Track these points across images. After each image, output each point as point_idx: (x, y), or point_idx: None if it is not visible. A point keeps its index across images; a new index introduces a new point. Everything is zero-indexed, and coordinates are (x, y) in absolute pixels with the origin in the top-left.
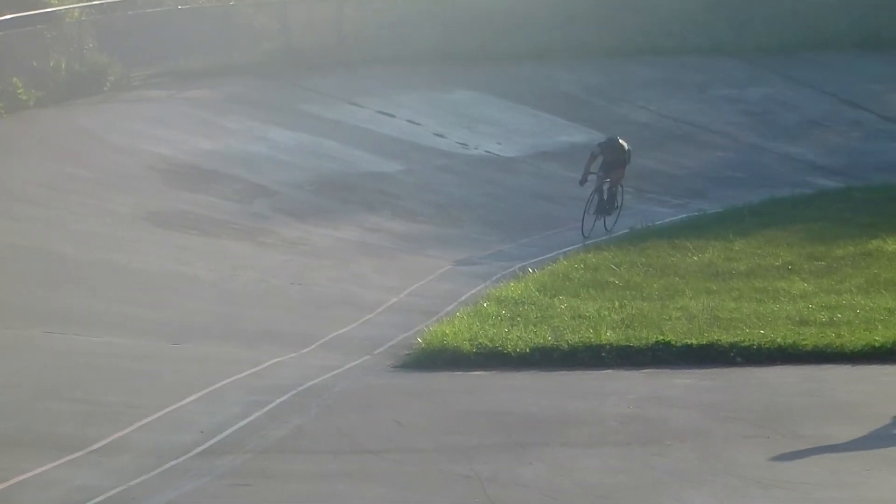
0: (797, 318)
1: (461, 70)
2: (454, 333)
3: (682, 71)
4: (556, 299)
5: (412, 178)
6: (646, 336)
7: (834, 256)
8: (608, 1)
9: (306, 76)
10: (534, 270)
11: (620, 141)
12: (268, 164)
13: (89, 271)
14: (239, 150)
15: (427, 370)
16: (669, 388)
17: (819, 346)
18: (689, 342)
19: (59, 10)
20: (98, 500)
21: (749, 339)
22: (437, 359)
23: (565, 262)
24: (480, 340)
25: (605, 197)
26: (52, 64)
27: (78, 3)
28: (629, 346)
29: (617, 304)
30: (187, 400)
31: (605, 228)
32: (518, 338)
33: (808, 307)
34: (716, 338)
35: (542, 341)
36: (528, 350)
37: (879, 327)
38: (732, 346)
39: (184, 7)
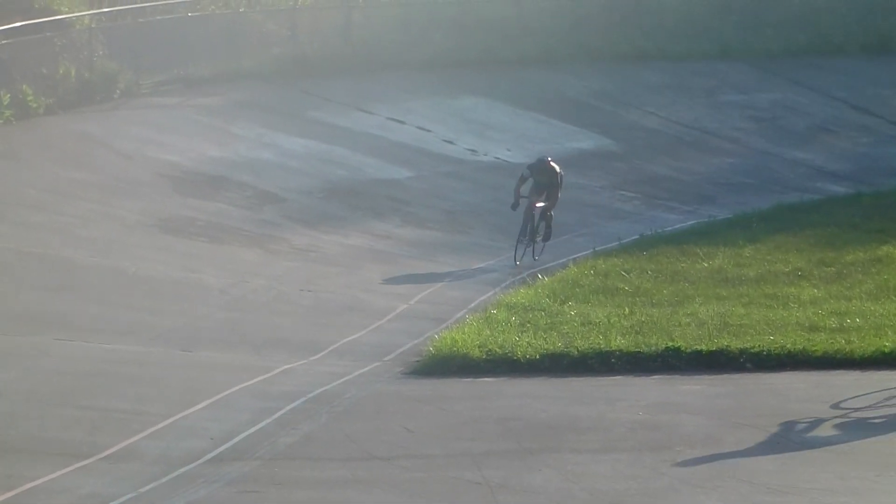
0: (807, 324)
1: (469, 76)
2: (464, 340)
3: (691, 76)
4: (565, 306)
5: (421, 185)
6: (655, 342)
7: (844, 262)
8: (616, 6)
9: (315, 83)
10: (543, 277)
11: (551, 163)
12: (277, 171)
13: (97, 278)
14: (248, 157)
15: (437, 377)
16: (679, 394)
17: (829, 352)
18: (699, 348)
19: (69, 17)
20: None
21: (759, 345)
22: (446, 365)
23: (575, 269)
24: (490, 347)
25: (535, 223)
26: (61, 71)
27: (88, 10)
28: (639, 353)
29: (627, 310)
30: (197, 407)
31: (533, 258)
32: (528, 344)
33: (818, 313)
34: (726, 344)
35: (551, 348)
36: (537, 356)
37: (889, 333)
38: (742, 352)
39: (193, 14)
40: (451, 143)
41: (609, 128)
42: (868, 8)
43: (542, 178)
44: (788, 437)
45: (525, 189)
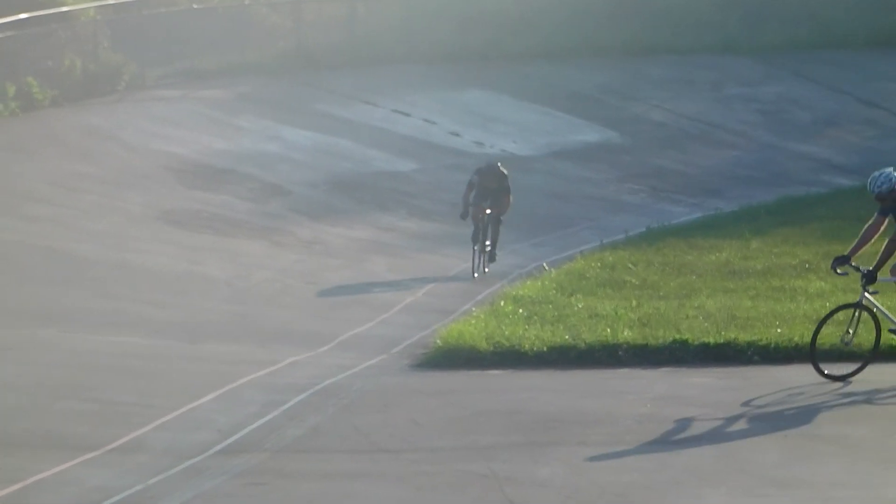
0: (814, 317)
1: (474, 69)
2: (471, 332)
3: (696, 70)
4: (572, 298)
5: (427, 178)
6: (663, 335)
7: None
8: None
9: (320, 75)
10: (550, 269)
11: (501, 168)
12: (282, 164)
13: (103, 271)
14: (253, 150)
15: (444, 369)
16: (686, 387)
17: (836, 344)
18: (706, 341)
19: (74, 9)
20: (115, 499)
21: (766, 338)
22: (453, 358)
23: (581, 261)
24: (497, 339)
25: (485, 231)
26: (66, 63)
27: (92, 2)
28: (646, 345)
29: (634, 302)
30: (203, 399)
31: (483, 269)
32: (535, 337)
33: (826, 306)
34: (733, 337)
35: (558, 340)
36: (544, 349)
37: None
38: (749, 344)
39: (198, 7)
40: (456, 135)
41: (614, 121)
42: (872, 2)
43: (490, 184)
44: (795, 430)
45: (472, 197)
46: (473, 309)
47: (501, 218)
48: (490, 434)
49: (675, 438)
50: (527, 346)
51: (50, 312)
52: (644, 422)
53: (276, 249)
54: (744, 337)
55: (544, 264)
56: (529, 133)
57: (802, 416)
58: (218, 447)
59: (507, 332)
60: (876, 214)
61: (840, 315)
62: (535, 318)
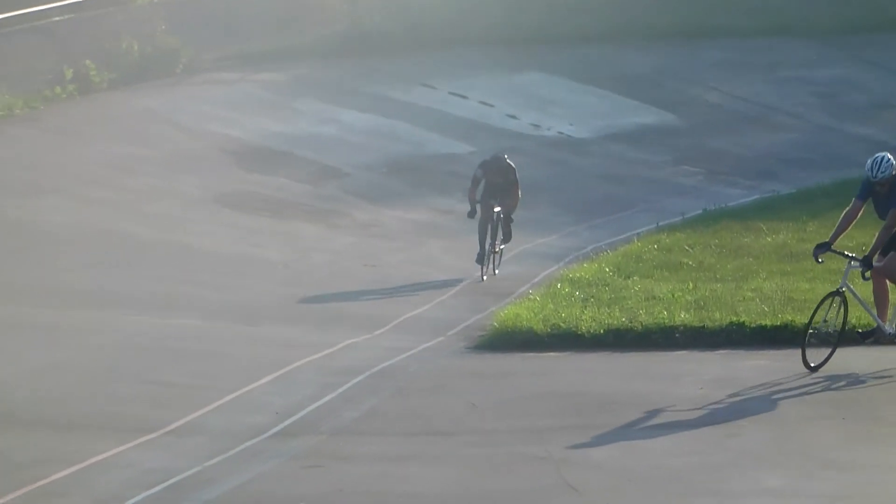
0: (870, 300)
1: (530, 51)
2: (527, 315)
3: (752, 52)
4: (629, 280)
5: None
6: (719, 317)
7: None
8: None
9: (376, 58)
10: (607, 251)
11: (507, 160)
12: (339, 146)
13: (160, 253)
14: (309, 132)
15: (500, 352)
16: (743, 369)
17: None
18: (762, 323)
19: None
20: (172, 481)
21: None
22: (509, 340)
23: (638, 243)
24: (554, 322)
25: (495, 230)
26: (123, 46)
27: None
28: (703, 328)
29: (690, 285)
30: (261, 382)
31: (493, 271)
32: (591, 319)
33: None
34: (790, 319)
35: (615, 322)
36: (601, 331)
37: None
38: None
39: None
40: (513, 118)
41: (670, 103)
42: None
43: (496, 178)
44: (853, 413)
45: (479, 193)
46: (530, 291)
47: (512, 216)
48: (546, 416)
49: (731, 420)
50: (583, 328)
51: (107, 295)
52: (700, 404)
53: (333, 232)
54: (801, 319)
55: (601, 246)
56: (585, 115)
57: (861, 398)
58: (274, 429)
59: (563, 315)
60: (854, 199)
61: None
62: (592, 300)
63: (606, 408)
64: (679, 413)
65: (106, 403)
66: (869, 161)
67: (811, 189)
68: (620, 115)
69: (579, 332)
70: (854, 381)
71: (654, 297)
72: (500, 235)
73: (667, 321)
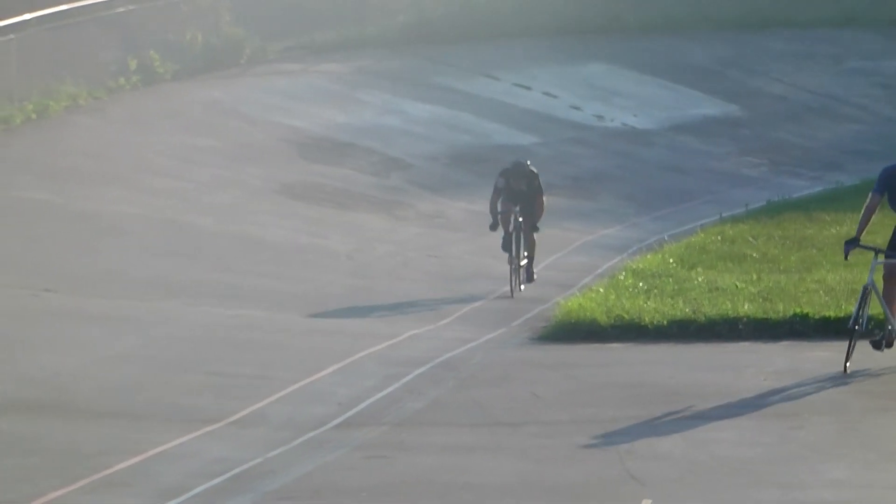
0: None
1: (593, 42)
2: (591, 306)
3: (816, 43)
4: (693, 271)
5: (547, 151)
6: (783, 309)
7: None
8: None
9: (440, 49)
10: (670, 242)
11: (530, 166)
12: (402, 137)
13: (224, 244)
14: (373, 123)
15: (563, 343)
16: (807, 360)
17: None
18: (827, 315)
19: None
20: (236, 471)
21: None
22: (573, 331)
23: (702, 235)
24: (617, 313)
25: (519, 242)
26: (188, 37)
27: None
28: (766, 319)
29: (754, 276)
30: (324, 372)
31: (519, 287)
32: (655, 310)
33: None
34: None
35: (679, 314)
36: (665, 322)
37: None
38: (870, 319)
39: None
40: (577, 109)
41: (734, 94)
42: None
43: (519, 186)
44: None
45: (501, 204)
46: (593, 282)
47: (538, 225)
48: (610, 407)
49: (795, 412)
50: (647, 319)
51: (171, 285)
52: (764, 395)
53: (397, 223)
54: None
55: (665, 237)
56: (650, 107)
57: None
58: (338, 420)
59: (626, 306)
60: (872, 193)
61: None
62: (655, 291)
63: (670, 399)
64: (743, 405)
65: (170, 394)
66: None
67: (875, 181)
68: (684, 107)
69: (643, 324)
70: None
71: (717, 289)
72: (524, 248)
73: (730, 312)
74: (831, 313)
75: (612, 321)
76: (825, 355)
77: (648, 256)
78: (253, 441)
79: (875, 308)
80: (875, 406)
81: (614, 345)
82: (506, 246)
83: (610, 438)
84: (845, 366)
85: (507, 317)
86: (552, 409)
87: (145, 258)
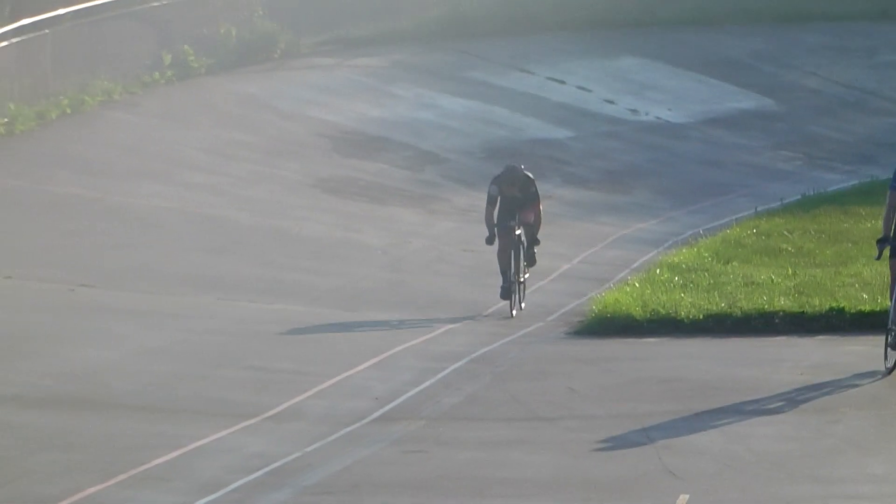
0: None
1: (627, 36)
2: (626, 300)
3: (850, 37)
4: (728, 266)
5: (581, 145)
6: (819, 303)
7: None
8: None
9: (474, 43)
10: (705, 237)
11: (524, 171)
12: (437, 132)
13: (259, 238)
14: (407, 118)
15: (599, 337)
16: (843, 354)
17: None
18: (862, 309)
19: None
20: (273, 466)
21: None
22: (609, 325)
23: (737, 229)
24: (653, 307)
25: (518, 255)
26: (221, 31)
27: None
28: (802, 313)
29: (790, 270)
30: (360, 367)
31: (519, 306)
32: (690, 304)
33: None
34: (889, 305)
35: (714, 308)
36: (700, 317)
37: None
38: None
39: None
40: (611, 103)
41: (769, 88)
42: None
43: (514, 193)
44: None
45: (497, 214)
46: (629, 277)
47: (538, 238)
48: (646, 402)
49: (832, 406)
50: (682, 313)
51: (208, 280)
52: (801, 390)
53: (432, 217)
54: None
55: (700, 231)
56: (684, 100)
57: None
58: (375, 415)
59: (662, 300)
60: (890, 192)
61: None
62: (691, 285)
63: (706, 393)
64: (779, 399)
65: (207, 388)
66: None
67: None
68: (718, 100)
69: (678, 318)
70: None
71: (753, 283)
72: (522, 263)
73: (766, 307)
74: (867, 308)
75: (648, 315)
76: (861, 349)
77: (684, 251)
78: (291, 436)
79: None
80: None
81: (650, 339)
82: (503, 264)
83: (647, 433)
84: (886, 365)
85: (542, 311)
86: (589, 403)
87: (181, 253)
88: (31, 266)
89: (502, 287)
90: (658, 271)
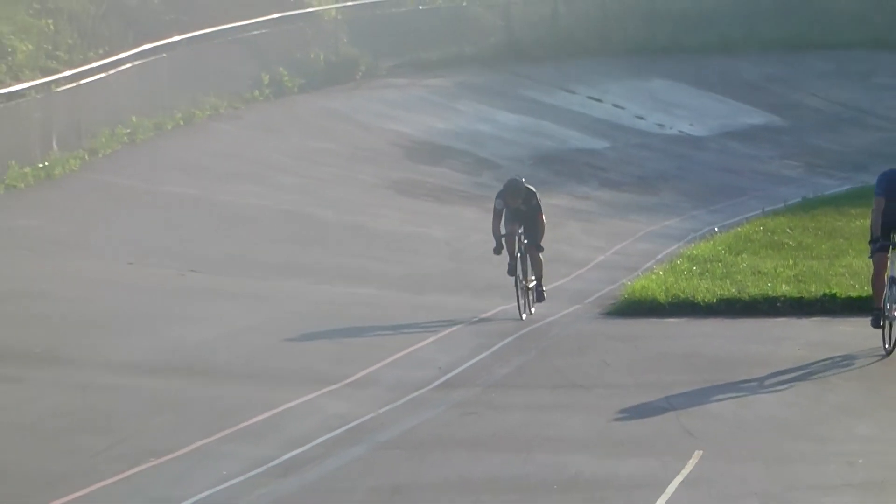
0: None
1: (658, 61)
2: (652, 287)
3: (849, 62)
4: (739, 257)
5: (616, 154)
6: (815, 289)
7: None
8: (787, 1)
9: (526, 66)
10: (720, 233)
11: (525, 184)
12: (493, 142)
13: (340, 232)
14: (468, 130)
15: (629, 317)
16: (836, 334)
17: None
18: (852, 295)
19: (318, 10)
20: (352, 425)
21: None
22: (637, 308)
23: (747, 226)
24: (674, 292)
25: (524, 265)
26: (311, 56)
27: (334, 3)
28: (801, 298)
29: (791, 261)
30: (426, 342)
31: (529, 311)
32: (706, 290)
33: None
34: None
35: (726, 293)
36: (714, 301)
37: None
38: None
39: (423, 7)
40: (641, 118)
41: (777, 106)
42: None
43: (517, 205)
44: None
45: (503, 226)
46: (654, 266)
47: (542, 245)
48: (669, 373)
49: (827, 377)
50: (699, 298)
51: (296, 267)
52: (800, 363)
53: (488, 214)
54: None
55: (715, 228)
56: (704, 117)
57: None
58: (437, 382)
59: (682, 286)
60: (877, 197)
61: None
62: (707, 274)
63: (720, 366)
64: (782, 371)
65: (297, 359)
66: None
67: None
68: (734, 117)
69: (696, 302)
70: None
71: (759, 272)
72: (531, 270)
73: (770, 292)
74: (856, 294)
75: (670, 299)
76: (851, 329)
77: (702, 244)
78: (366, 399)
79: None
80: (894, 372)
81: (672, 320)
82: (511, 270)
83: (668, 400)
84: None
85: (581, 295)
86: (619, 374)
87: (274, 244)
88: (149, 254)
89: (517, 288)
90: (679, 262)
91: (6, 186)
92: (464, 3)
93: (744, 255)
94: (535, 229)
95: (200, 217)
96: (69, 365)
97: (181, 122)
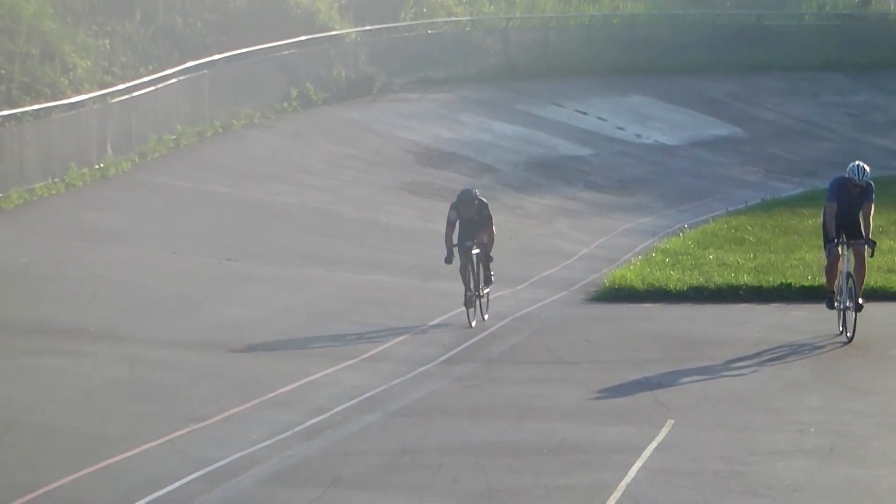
0: (886, 268)
1: (636, 80)
2: (630, 276)
3: (800, 82)
4: (706, 251)
5: (599, 160)
6: (773, 279)
7: None
8: (746, 30)
9: (521, 84)
10: (689, 229)
11: (477, 194)
12: (492, 149)
13: (359, 227)
14: (471, 138)
15: (610, 302)
16: (791, 318)
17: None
18: (805, 284)
19: (341, 33)
20: (367, 395)
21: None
22: (617, 294)
23: (713, 224)
24: (649, 281)
25: (476, 272)
26: (334, 73)
27: (354, 28)
28: (760, 287)
29: (751, 255)
30: (432, 322)
31: (482, 317)
32: (677, 279)
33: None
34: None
35: (695, 282)
36: (685, 289)
37: None
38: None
39: (432, 32)
40: (621, 129)
41: (738, 119)
42: None
43: (470, 215)
44: (872, 352)
45: (456, 236)
46: (632, 258)
47: (491, 255)
48: (644, 351)
49: (782, 356)
50: (671, 286)
51: (321, 256)
52: (759, 344)
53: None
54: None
55: (685, 225)
56: (676, 128)
57: (878, 341)
58: (442, 358)
59: (657, 276)
60: (829, 203)
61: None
62: (678, 265)
63: (689, 346)
64: (743, 351)
65: (319, 337)
66: (853, 168)
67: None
68: (701, 129)
69: (668, 289)
70: (874, 326)
71: (724, 264)
72: (482, 278)
73: (733, 282)
74: (809, 283)
75: (646, 287)
76: (805, 315)
77: (673, 239)
78: (381, 373)
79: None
80: (842, 353)
81: (647, 305)
82: (465, 280)
83: (645, 374)
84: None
85: (567, 283)
86: (602, 351)
87: (302, 236)
88: (192, 244)
89: (465, 296)
90: (654, 254)
91: (67, 185)
92: (467, 29)
93: (710, 249)
94: (484, 239)
95: (237, 213)
96: (121, 341)
97: (220, 130)
